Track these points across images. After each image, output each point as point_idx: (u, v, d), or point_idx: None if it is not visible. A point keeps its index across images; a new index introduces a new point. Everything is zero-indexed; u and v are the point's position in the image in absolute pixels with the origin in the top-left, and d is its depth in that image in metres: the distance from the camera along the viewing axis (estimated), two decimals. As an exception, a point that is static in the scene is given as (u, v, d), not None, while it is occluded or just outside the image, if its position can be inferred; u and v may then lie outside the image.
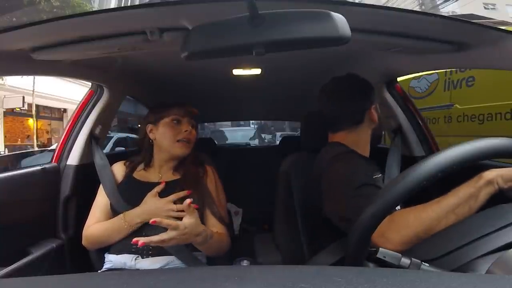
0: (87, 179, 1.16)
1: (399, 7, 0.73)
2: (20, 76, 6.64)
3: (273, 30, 0.49)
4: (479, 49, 0.77)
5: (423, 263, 0.45)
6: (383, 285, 0.28)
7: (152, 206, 0.91)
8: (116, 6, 0.78)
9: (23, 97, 7.81)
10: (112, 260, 0.91)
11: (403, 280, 0.30)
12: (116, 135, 5.62)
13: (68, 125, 1.25)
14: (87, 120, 1.23)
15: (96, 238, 0.94)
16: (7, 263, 0.93)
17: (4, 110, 8.16)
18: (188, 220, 0.74)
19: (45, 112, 9.81)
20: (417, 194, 0.43)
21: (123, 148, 4.64)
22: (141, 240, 0.70)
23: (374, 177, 0.76)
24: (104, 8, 0.68)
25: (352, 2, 0.66)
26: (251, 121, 10.99)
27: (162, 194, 0.94)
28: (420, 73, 2.95)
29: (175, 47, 0.60)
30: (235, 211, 2.06)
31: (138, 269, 0.87)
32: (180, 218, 0.76)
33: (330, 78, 0.98)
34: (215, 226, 0.95)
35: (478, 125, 2.49)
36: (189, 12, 0.66)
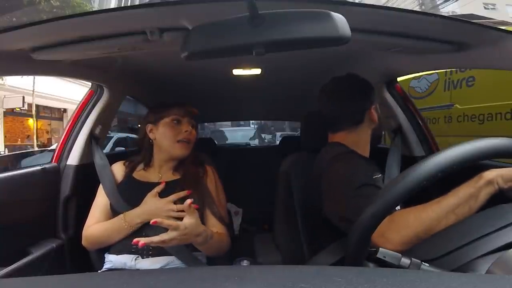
0: (87, 179, 1.16)
1: (399, 7, 0.73)
2: (20, 76, 6.64)
3: (273, 30, 0.49)
4: (479, 49, 0.77)
5: (423, 263, 0.45)
6: (383, 285, 0.28)
7: (152, 206, 0.91)
8: (116, 6, 0.78)
9: (23, 97, 7.81)
10: (112, 260, 0.91)
11: (403, 280, 0.30)
12: (116, 135, 5.63)
13: (68, 125, 1.25)
14: (87, 120, 1.23)
15: (96, 239, 0.94)
16: (7, 263, 0.93)
17: (4, 110, 8.16)
18: (189, 220, 0.74)
19: (45, 112, 9.81)
20: (417, 194, 0.43)
21: (123, 148, 4.65)
22: (141, 241, 0.70)
23: (374, 177, 0.76)
24: (104, 8, 0.68)
25: (352, 2, 0.66)
26: (251, 121, 10.98)
27: (162, 194, 0.94)
28: (420, 73, 2.95)
29: (175, 47, 0.60)
30: (235, 211, 2.06)
31: (138, 269, 0.87)
32: (180, 218, 0.76)
33: (330, 78, 0.98)
34: (215, 226, 0.95)
35: (478, 125, 2.49)
36: (189, 12, 0.66)
